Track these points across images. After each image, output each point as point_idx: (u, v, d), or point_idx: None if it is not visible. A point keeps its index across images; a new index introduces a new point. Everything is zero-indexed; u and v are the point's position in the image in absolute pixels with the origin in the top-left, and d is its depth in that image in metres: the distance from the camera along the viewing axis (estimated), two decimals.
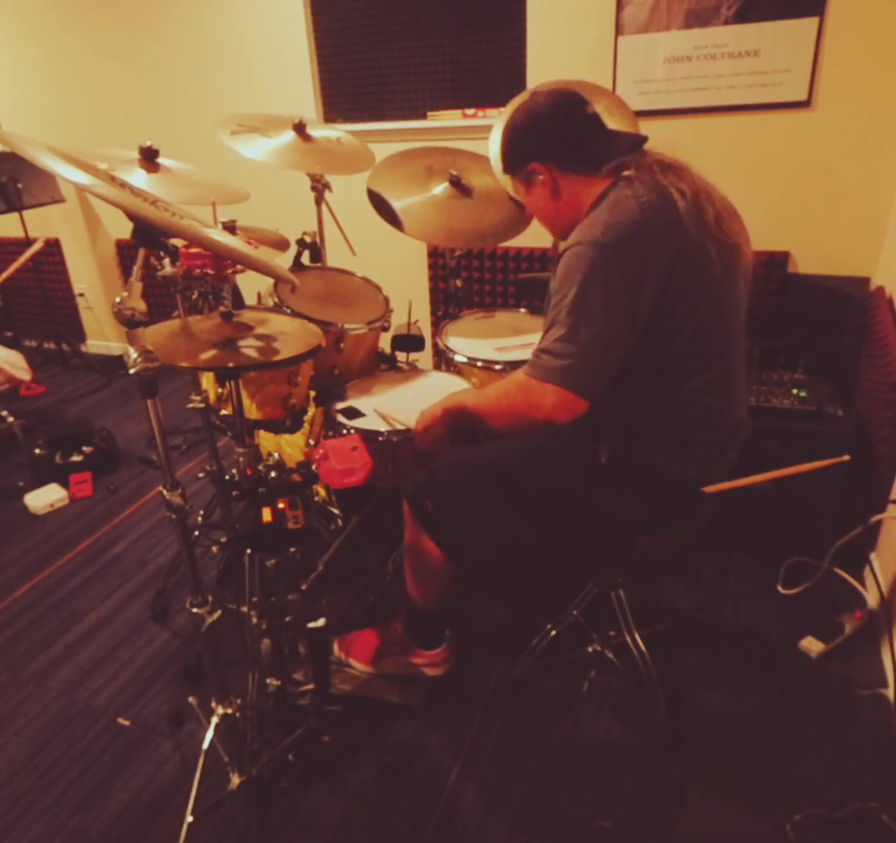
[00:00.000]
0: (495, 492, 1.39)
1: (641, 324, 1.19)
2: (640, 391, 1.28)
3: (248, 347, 1.38)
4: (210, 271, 1.60)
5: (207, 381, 1.76)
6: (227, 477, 1.63)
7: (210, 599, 1.28)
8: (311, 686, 1.57)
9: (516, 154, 1.37)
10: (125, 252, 3.85)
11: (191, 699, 1.64)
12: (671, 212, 1.18)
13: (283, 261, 1.90)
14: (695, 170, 1.28)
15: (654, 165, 1.25)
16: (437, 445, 1.49)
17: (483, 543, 1.44)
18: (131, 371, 1.04)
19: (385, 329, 2.02)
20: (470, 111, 2.83)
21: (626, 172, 1.24)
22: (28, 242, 3.45)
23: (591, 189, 1.30)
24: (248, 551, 1.49)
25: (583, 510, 1.36)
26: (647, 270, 1.17)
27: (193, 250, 1.57)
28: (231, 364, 1.32)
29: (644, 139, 1.32)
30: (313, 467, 1.41)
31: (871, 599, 1.86)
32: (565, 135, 1.32)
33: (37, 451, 2.71)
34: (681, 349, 1.23)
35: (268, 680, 1.52)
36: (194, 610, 1.27)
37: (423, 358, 2.80)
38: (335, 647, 1.73)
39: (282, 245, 2.05)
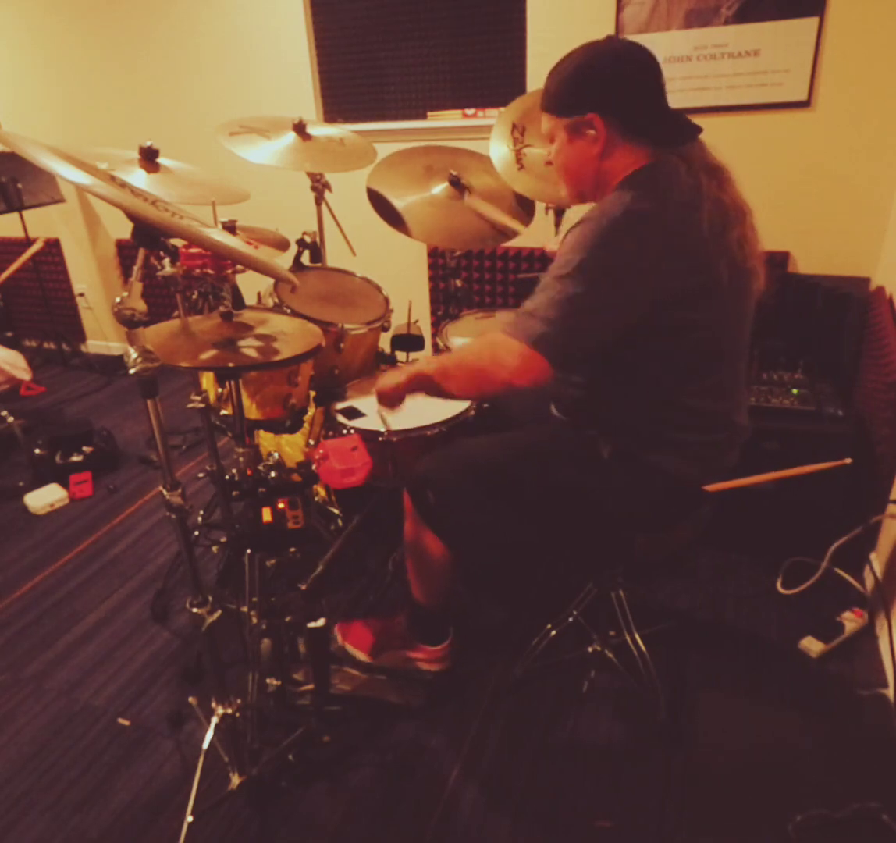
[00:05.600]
0: (497, 485, 1.39)
1: (636, 315, 1.17)
2: (646, 391, 1.28)
3: (248, 347, 1.37)
4: (210, 271, 1.60)
5: (207, 381, 1.76)
6: (227, 477, 1.63)
7: (210, 599, 1.28)
8: (311, 686, 1.57)
9: (579, 95, 1.18)
10: (125, 252, 3.85)
11: (191, 699, 1.64)
12: (695, 219, 1.15)
13: (283, 261, 1.90)
14: (736, 182, 1.22)
15: (702, 166, 1.18)
16: (395, 406, 1.46)
17: (484, 535, 1.44)
18: (131, 371, 1.04)
19: (385, 329, 2.02)
20: (470, 111, 2.83)
21: (662, 159, 1.17)
22: (28, 242, 3.45)
23: (633, 163, 1.19)
24: (248, 551, 1.48)
25: (583, 505, 1.36)
26: (649, 261, 1.14)
27: (193, 250, 1.56)
28: (231, 364, 1.32)
29: (699, 130, 1.20)
30: (313, 467, 1.41)
31: (871, 599, 1.86)
32: (648, 97, 1.16)
33: (37, 451, 2.71)
34: (688, 352, 1.23)
35: (268, 680, 1.52)
36: (194, 610, 1.27)
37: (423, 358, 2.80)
38: (335, 631, 1.73)
39: (282, 245, 2.05)
